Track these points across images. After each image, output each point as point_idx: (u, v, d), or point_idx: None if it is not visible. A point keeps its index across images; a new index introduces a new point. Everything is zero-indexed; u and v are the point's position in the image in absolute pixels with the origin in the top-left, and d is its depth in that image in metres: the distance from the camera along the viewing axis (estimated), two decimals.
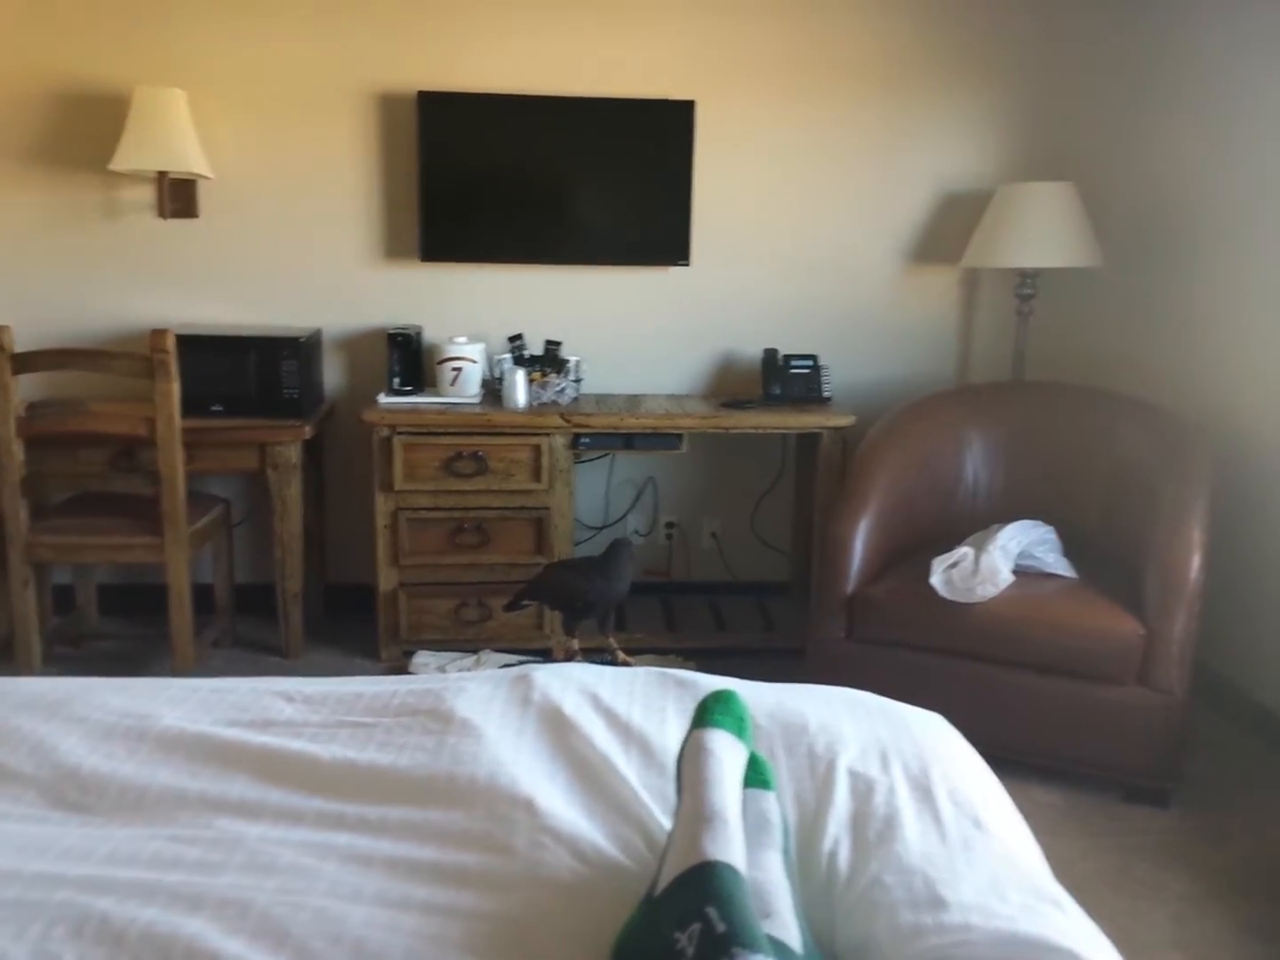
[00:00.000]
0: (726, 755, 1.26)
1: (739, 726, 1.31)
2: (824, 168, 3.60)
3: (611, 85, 3.46)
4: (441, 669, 3.13)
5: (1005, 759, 2.74)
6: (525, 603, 2.95)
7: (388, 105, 3.44)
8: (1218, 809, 2.63)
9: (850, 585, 2.88)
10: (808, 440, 3.49)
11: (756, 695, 1.63)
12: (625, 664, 2.85)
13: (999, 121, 3.61)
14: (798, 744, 1.51)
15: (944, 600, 2.71)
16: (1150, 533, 2.75)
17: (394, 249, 3.53)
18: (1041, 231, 3.28)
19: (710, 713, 1.31)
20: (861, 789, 1.39)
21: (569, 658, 2.91)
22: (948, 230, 3.63)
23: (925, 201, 3.64)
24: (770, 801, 1.29)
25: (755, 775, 1.32)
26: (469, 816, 1.36)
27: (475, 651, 3.26)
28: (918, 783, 1.41)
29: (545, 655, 3.20)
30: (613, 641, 2.97)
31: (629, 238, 3.57)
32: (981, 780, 1.49)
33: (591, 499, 3.73)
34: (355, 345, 3.57)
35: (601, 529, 3.71)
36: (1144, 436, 3.03)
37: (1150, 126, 3.55)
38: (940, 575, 2.74)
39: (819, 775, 1.43)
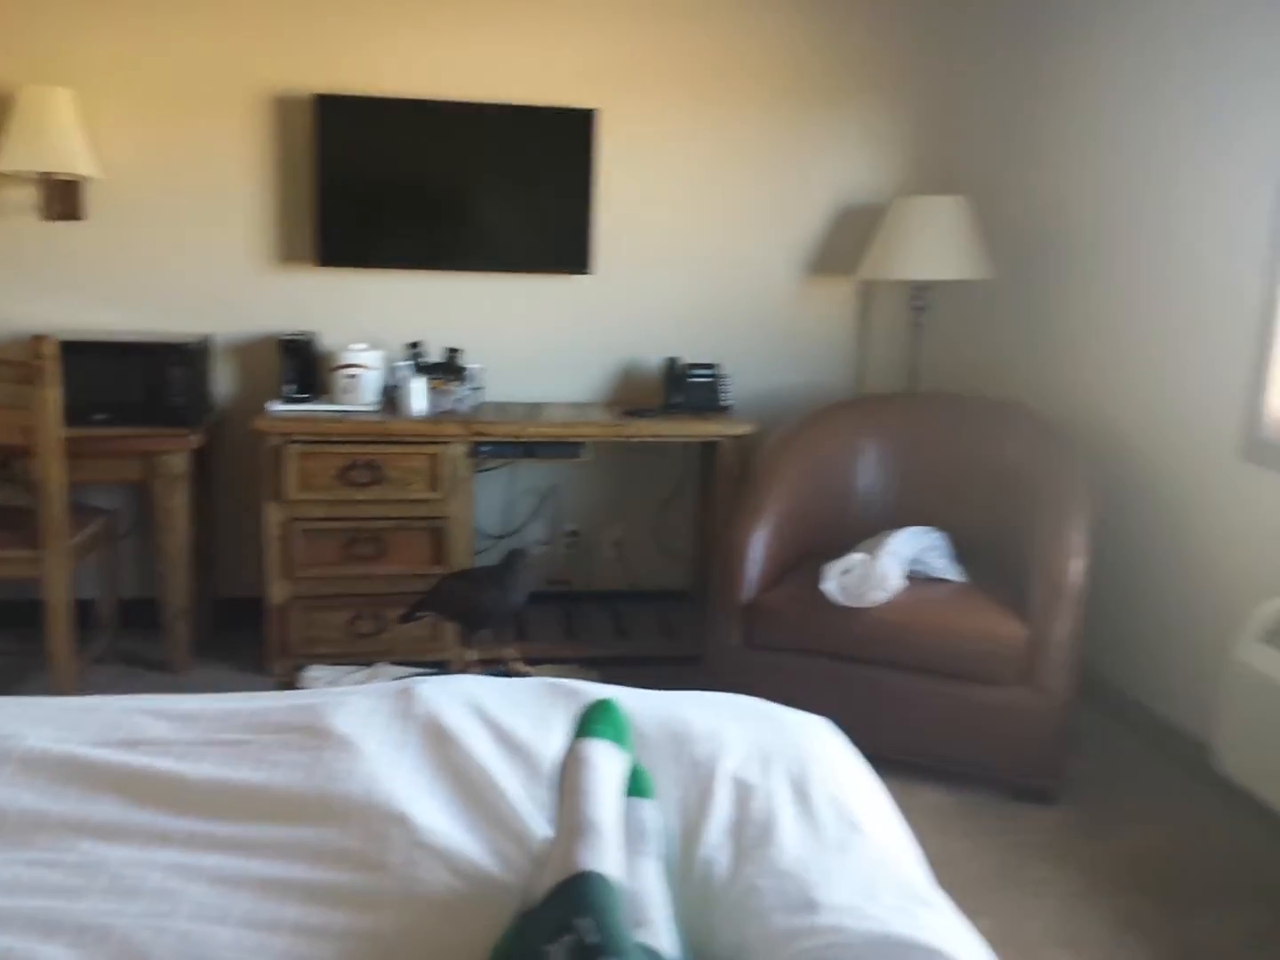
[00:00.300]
0: (605, 765, 1.25)
1: (619, 736, 1.31)
2: (726, 179, 3.63)
3: (514, 92, 3.44)
4: (334, 683, 3.07)
5: (897, 760, 2.79)
6: (420, 614, 2.91)
7: (284, 107, 3.37)
8: (1101, 805, 2.71)
9: (747, 592, 2.90)
10: (709, 449, 3.52)
11: (644, 704, 1.63)
12: (523, 674, 2.83)
13: (896, 136, 3.68)
14: (682, 751, 1.51)
15: (838, 605, 2.76)
16: (1034, 538, 2.83)
17: (289, 253, 3.46)
18: (934, 245, 3.36)
19: (590, 723, 1.31)
20: (742, 795, 1.40)
21: (465, 669, 2.88)
22: (846, 242, 3.69)
23: (824, 213, 3.70)
24: (649, 810, 1.29)
25: (635, 784, 1.32)
26: (343, 834, 1.34)
27: (370, 665, 3.21)
28: (797, 787, 1.42)
29: (442, 667, 3.16)
30: (510, 652, 2.95)
31: (531, 245, 3.55)
32: (862, 783, 1.52)
33: (492, 508, 3.70)
34: (248, 352, 3.49)
35: (503, 538, 3.68)
36: (1030, 445, 3.12)
37: (1038, 144, 3.66)
38: (834, 581, 2.78)
39: (701, 782, 1.44)
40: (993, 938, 2.17)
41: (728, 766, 1.46)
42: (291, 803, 1.41)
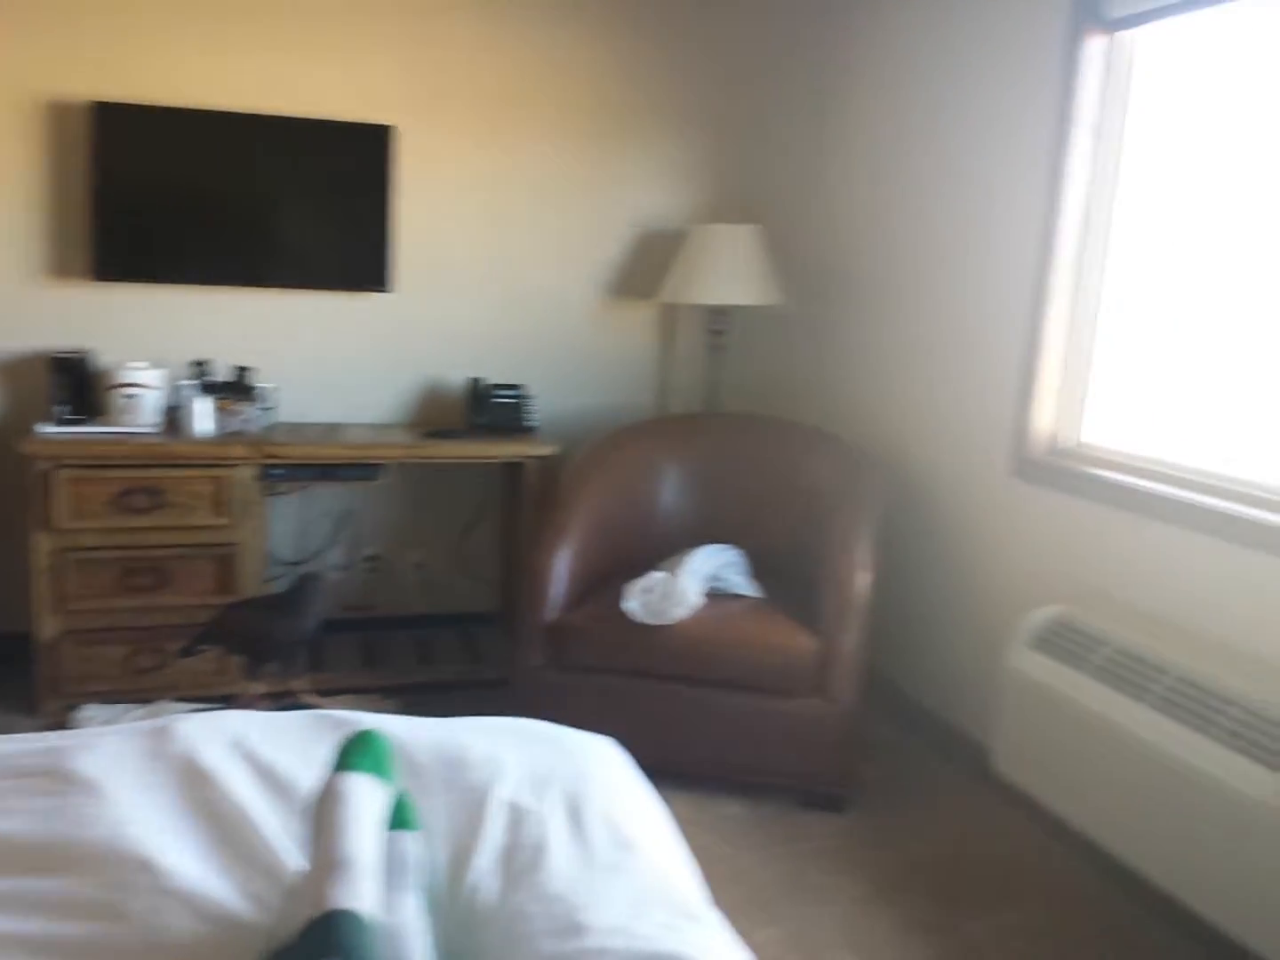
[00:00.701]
0: (363, 799, 1.21)
1: (379, 767, 1.26)
2: (530, 200, 3.63)
3: (310, 105, 3.35)
4: (111, 723, 2.88)
5: (698, 775, 2.84)
6: (203, 647, 2.76)
7: (58, 114, 3.17)
8: (889, 811, 2.81)
9: (551, 613, 2.89)
10: (513, 469, 3.49)
11: (419, 732, 1.59)
12: (314, 707, 2.72)
13: (695, 165, 3.77)
14: (456, 779, 1.48)
15: (640, 624, 2.77)
16: (826, 553, 2.93)
17: (62, 267, 3.25)
18: (730, 271, 3.45)
19: (348, 755, 1.26)
20: (515, 820, 1.38)
21: (253, 704, 2.76)
22: (648, 266, 3.75)
23: (627, 238, 3.74)
24: (412, 842, 1.25)
25: (399, 816, 1.28)
26: (84, 883, 1.25)
27: (151, 702, 3.03)
28: (572, 809, 1.41)
29: (229, 702, 3.01)
30: (301, 684, 2.84)
31: (328, 262, 3.45)
32: (640, 802, 1.52)
33: (287, 533, 3.56)
34: (14, 371, 3.25)
35: (298, 564, 3.55)
36: (823, 464, 3.23)
37: (827, 176, 3.82)
38: (635, 600, 2.80)
39: (473, 809, 1.41)
40: (781, 945, 2.23)
41: (502, 792, 1.44)
42: (30, 852, 1.31)
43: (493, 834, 1.36)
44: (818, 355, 3.89)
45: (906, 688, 3.39)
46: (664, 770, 2.83)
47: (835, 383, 3.80)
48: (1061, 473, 2.76)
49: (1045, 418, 2.85)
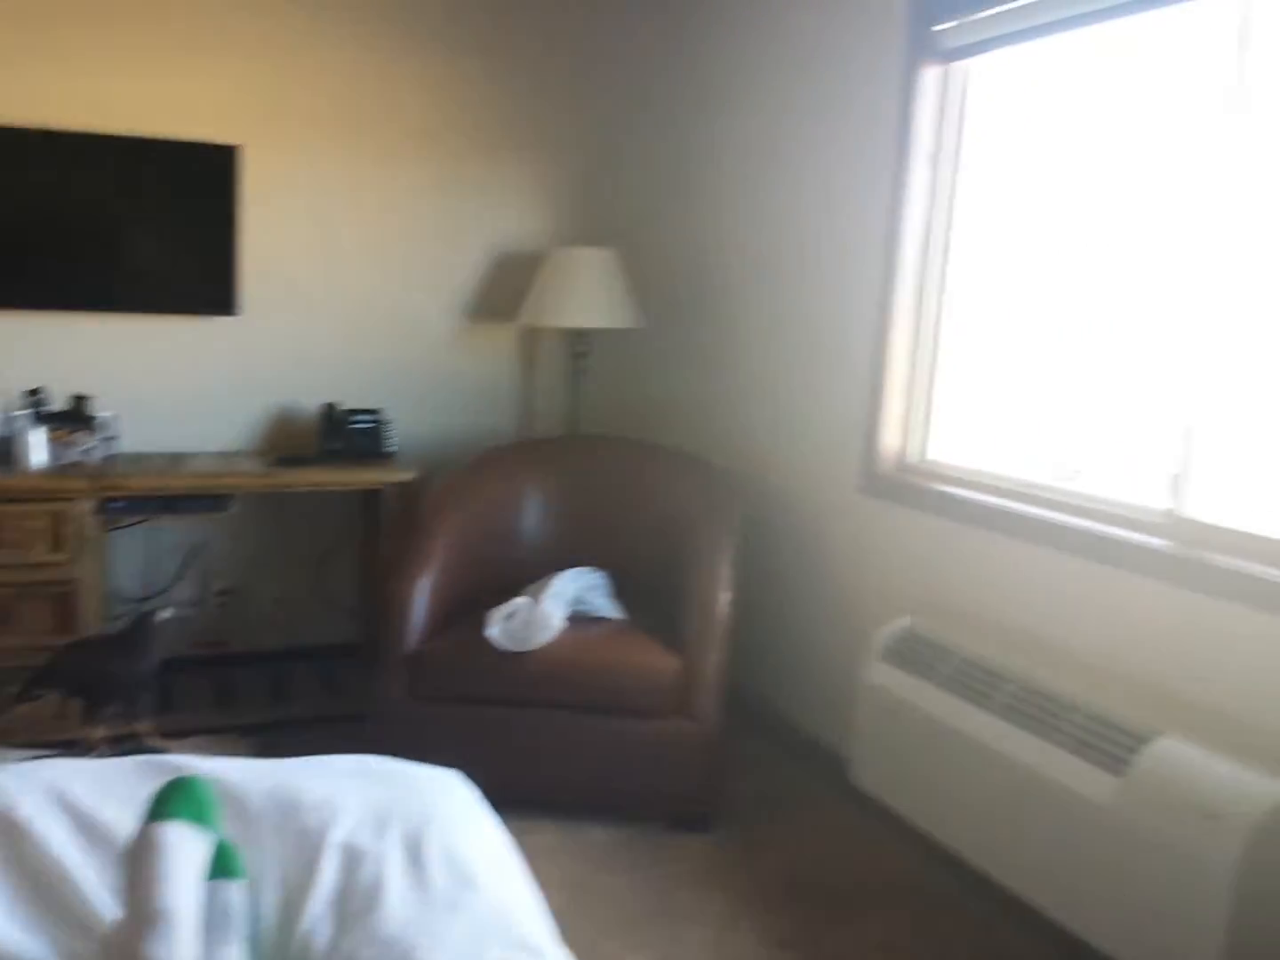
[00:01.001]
0: (180, 848, 1.15)
1: (200, 814, 1.21)
2: (386, 222, 3.57)
3: (153, 124, 3.23)
4: None
5: (563, 801, 2.81)
6: (39, 691, 2.62)
7: None
8: (756, 828, 2.83)
9: (411, 643, 2.83)
10: (372, 496, 3.42)
11: (254, 775, 1.53)
12: (159, 750, 2.60)
13: (554, 188, 3.77)
14: (290, 823, 1.42)
15: (503, 651, 2.74)
16: (688, 573, 2.94)
17: None
18: (588, 294, 3.45)
19: (164, 804, 1.20)
20: (350, 862, 1.34)
21: (94, 749, 2.62)
22: (508, 289, 3.72)
23: (485, 260, 3.71)
24: (235, 891, 1.20)
25: (221, 865, 1.22)
26: None
27: None
28: (411, 848, 1.37)
29: (70, 748, 2.85)
30: (145, 726, 2.71)
31: (171, 286, 3.33)
32: (483, 836, 1.49)
33: (132, 569, 3.40)
34: None
35: (145, 601, 3.40)
36: (684, 484, 3.25)
37: (686, 199, 3.86)
38: (498, 627, 2.77)
39: (307, 853, 1.36)
40: None
41: (338, 834, 1.39)
42: None
43: (326, 878, 1.31)
44: (679, 376, 3.93)
45: (770, 703, 3.43)
46: (531, 799, 2.80)
47: (695, 403, 3.84)
48: (908, 489, 2.84)
49: (892, 435, 2.93)
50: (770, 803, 2.98)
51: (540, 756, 2.79)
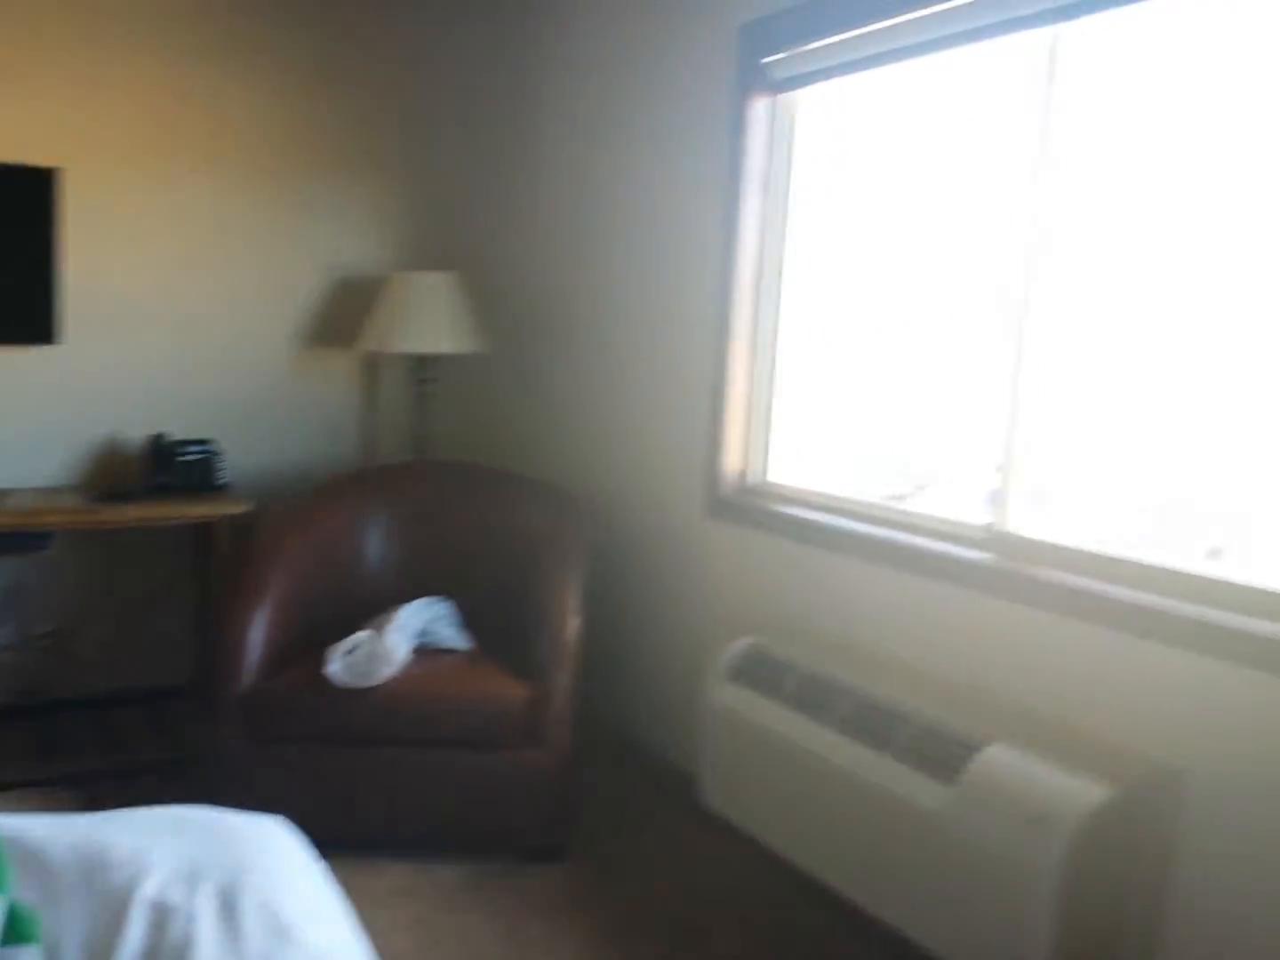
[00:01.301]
0: None
1: None
2: (216, 245, 3.45)
3: None
4: None
5: (413, 840, 2.74)
6: None
7: None
8: (609, 855, 2.81)
9: (247, 682, 2.72)
10: (204, 531, 3.27)
11: (60, 832, 1.43)
12: None
13: (395, 211, 3.71)
14: (95, 881, 1.33)
15: (344, 687, 2.65)
16: (536, 599, 2.92)
17: None
18: (431, 318, 3.40)
19: None
20: (159, 919, 1.26)
21: None
22: (348, 314, 3.64)
23: (324, 286, 3.62)
24: (29, 957, 1.12)
25: (14, 929, 1.14)
26: None
27: None
28: (226, 902, 1.31)
29: None
30: None
31: None
32: (305, 884, 1.43)
33: None
34: None
35: None
36: (532, 509, 3.22)
37: (528, 223, 3.86)
38: (338, 662, 2.68)
39: (113, 911, 1.28)
40: None
41: (146, 891, 1.31)
42: None
43: (133, 938, 1.24)
44: (525, 400, 3.91)
45: (623, 727, 3.42)
46: (379, 839, 2.73)
47: (543, 427, 3.83)
48: (750, 510, 2.89)
49: (734, 458, 2.97)
50: (624, 829, 2.97)
51: (387, 795, 2.72)
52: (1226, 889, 1.88)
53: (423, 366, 3.61)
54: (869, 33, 2.49)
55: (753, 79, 2.81)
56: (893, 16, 2.39)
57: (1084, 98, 2.15)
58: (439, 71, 3.71)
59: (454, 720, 2.70)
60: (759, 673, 2.55)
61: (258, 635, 2.79)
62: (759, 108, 2.84)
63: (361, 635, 2.76)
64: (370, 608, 2.98)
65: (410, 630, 2.85)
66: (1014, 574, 2.20)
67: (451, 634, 2.94)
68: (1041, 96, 2.20)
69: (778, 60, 2.75)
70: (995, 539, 2.32)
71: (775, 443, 2.97)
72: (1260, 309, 1.95)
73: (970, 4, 2.24)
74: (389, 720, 2.69)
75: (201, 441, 3.28)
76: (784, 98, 2.84)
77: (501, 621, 3.08)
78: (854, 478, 2.79)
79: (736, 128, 2.85)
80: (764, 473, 2.97)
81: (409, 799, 2.72)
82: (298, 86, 3.50)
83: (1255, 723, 1.83)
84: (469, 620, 3.03)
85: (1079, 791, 1.90)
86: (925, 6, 2.31)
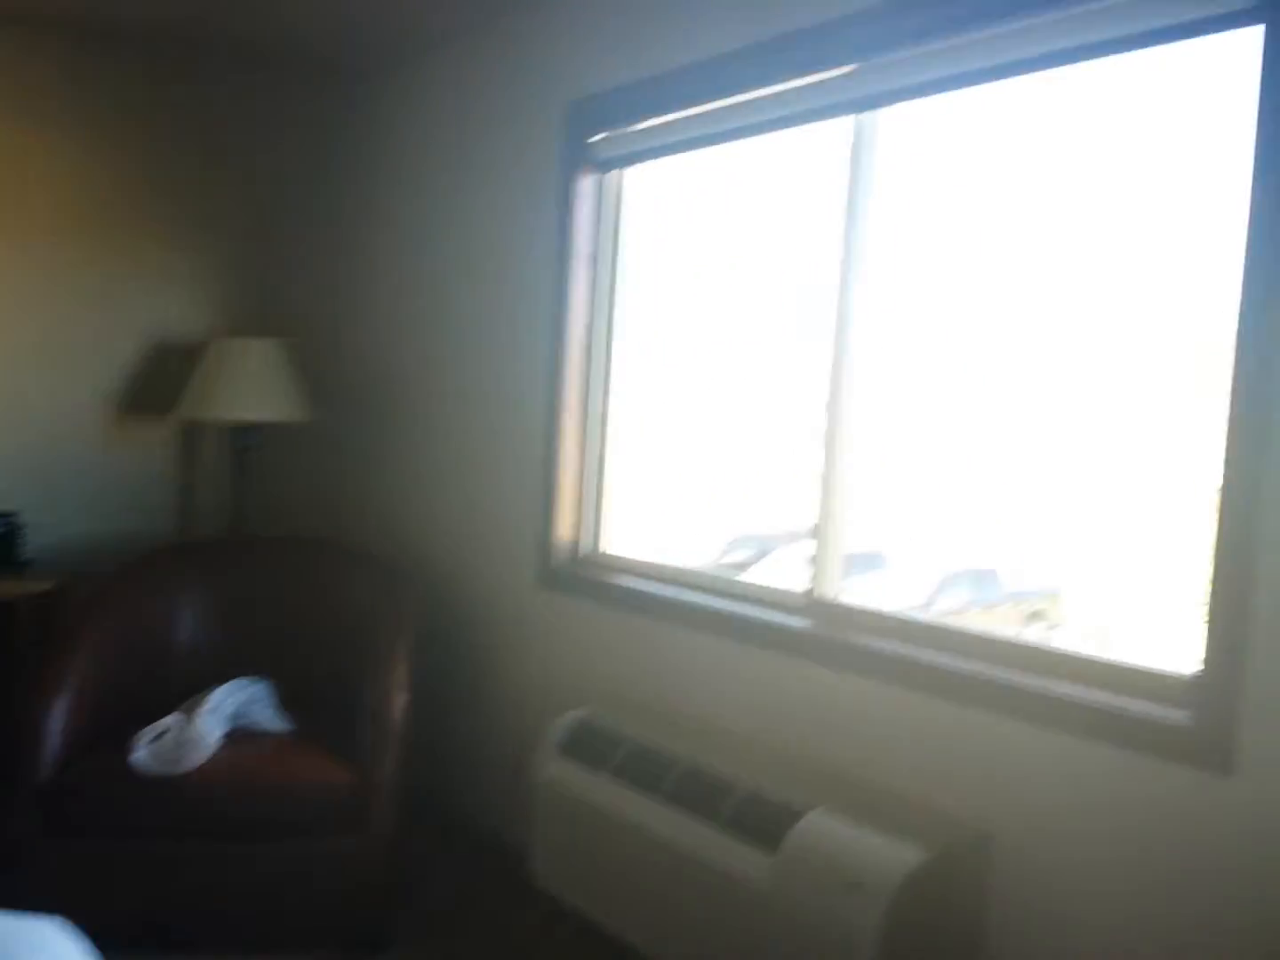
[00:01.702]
0: None
1: None
2: (20, 307, 3.28)
3: None
4: None
5: (226, 938, 2.58)
6: None
7: None
8: (437, 941, 2.71)
9: (45, 772, 2.54)
10: (4, 611, 3.06)
11: None
12: None
13: (218, 277, 3.61)
14: None
15: (151, 776, 2.51)
16: (363, 677, 2.82)
17: None
18: (253, 386, 3.31)
19: None
20: None
21: None
22: (167, 381, 3.50)
23: (140, 350, 3.49)
24: None
25: None
26: None
27: None
28: None
29: None
30: None
31: None
32: None
33: None
34: None
35: None
36: (361, 584, 3.14)
37: (357, 289, 3.81)
38: (144, 750, 2.55)
39: None
40: None
41: None
42: None
43: None
44: (356, 470, 3.82)
45: (455, 807, 3.33)
46: (190, 936, 2.56)
47: (374, 498, 3.74)
48: (582, 581, 2.88)
49: (566, 528, 2.97)
50: (453, 914, 2.87)
51: (199, 889, 2.57)
52: (1036, 945, 1.94)
53: (245, 435, 3.49)
54: (688, 117, 2.58)
55: (580, 156, 2.87)
56: (707, 103, 2.49)
57: (888, 178, 2.27)
58: (268, 136, 3.67)
59: (270, 808, 2.57)
60: (587, 746, 2.53)
61: (58, 722, 2.61)
62: (586, 183, 2.89)
63: (170, 720, 2.63)
64: (183, 691, 2.83)
65: (224, 713, 2.73)
66: (830, 640, 2.26)
67: (269, 716, 2.82)
68: (849, 176, 2.31)
69: (601, 140, 2.82)
70: (814, 605, 2.38)
71: (609, 513, 2.98)
72: (1064, 383, 2.08)
73: (778, 94, 2.35)
74: (199, 810, 2.55)
75: (4, 515, 3.08)
76: (611, 175, 2.91)
77: (327, 701, 2.96)
78: (694, 547, 2.83)
79: (565, 202, 2.89)
80: (597, 543, 2.98)
81: (223, 892, 2.58)
82: (110, 145, 3.40)
83: (1056, 783, 1.91)
84: (289, 701, 2.90)
85: (894, 857, 1.93)
86: (736, 94, 2.41)
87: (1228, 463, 1.69)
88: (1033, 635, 2.17)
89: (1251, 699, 1.66)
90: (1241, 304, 1.67)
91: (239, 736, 2.70)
